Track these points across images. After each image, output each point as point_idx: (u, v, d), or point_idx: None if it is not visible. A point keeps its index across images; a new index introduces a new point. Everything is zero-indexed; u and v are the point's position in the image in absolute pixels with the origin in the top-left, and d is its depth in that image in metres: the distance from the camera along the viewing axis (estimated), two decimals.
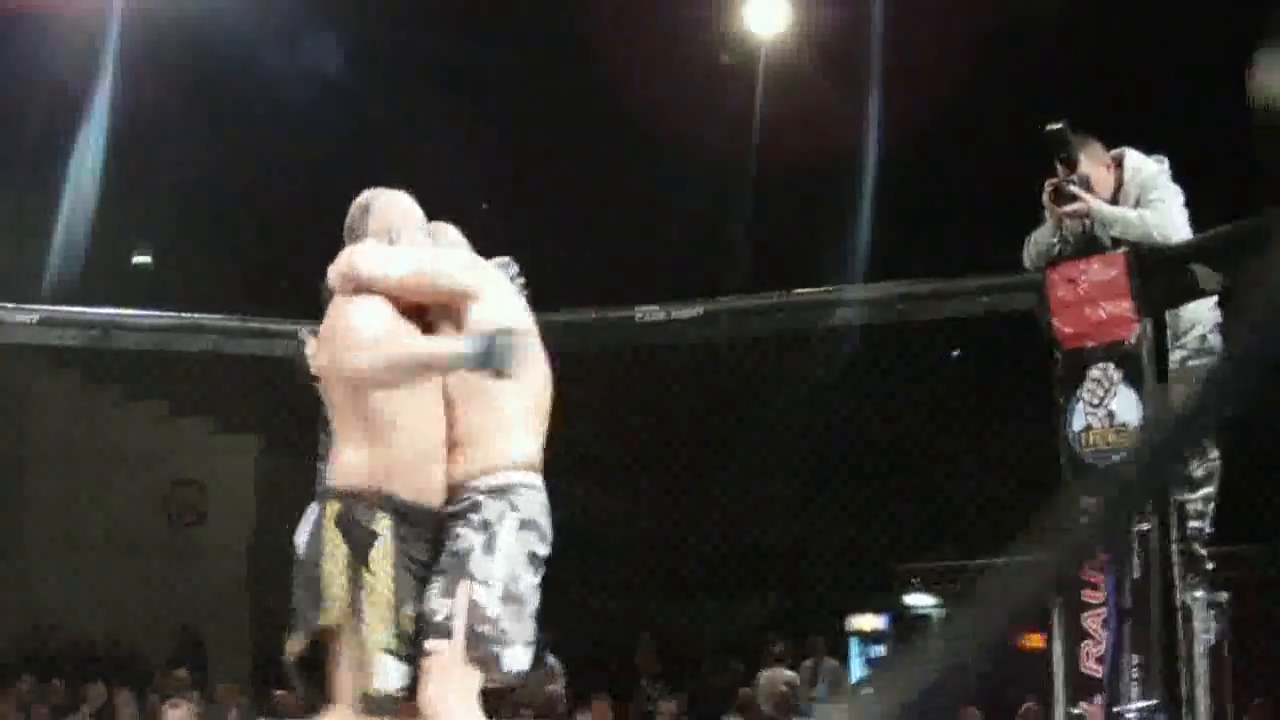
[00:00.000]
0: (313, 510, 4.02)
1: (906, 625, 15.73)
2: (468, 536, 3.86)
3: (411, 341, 4.03)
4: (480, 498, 3.90)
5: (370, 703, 3.78)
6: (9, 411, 16.30)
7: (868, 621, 15.44)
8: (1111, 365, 5.17)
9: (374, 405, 3.89)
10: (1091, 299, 5.24)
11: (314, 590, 3.85)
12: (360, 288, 4.03)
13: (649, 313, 6.21)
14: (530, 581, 3.94)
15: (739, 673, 11.76)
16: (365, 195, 4.28)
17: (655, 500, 9.75)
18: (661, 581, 11.22)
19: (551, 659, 3.96)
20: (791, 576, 11.52)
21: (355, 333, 3.96)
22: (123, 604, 13.33)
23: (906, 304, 6.09)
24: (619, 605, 11.09)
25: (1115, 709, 4.96)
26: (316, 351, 4.17)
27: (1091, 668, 5.02)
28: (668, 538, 10.51)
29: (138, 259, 17.40)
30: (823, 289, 6.49)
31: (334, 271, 4.11)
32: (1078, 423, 5.25)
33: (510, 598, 3.86)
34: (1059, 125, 5.36)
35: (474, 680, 3.85)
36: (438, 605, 3.81)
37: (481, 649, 3.83)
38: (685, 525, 10.92)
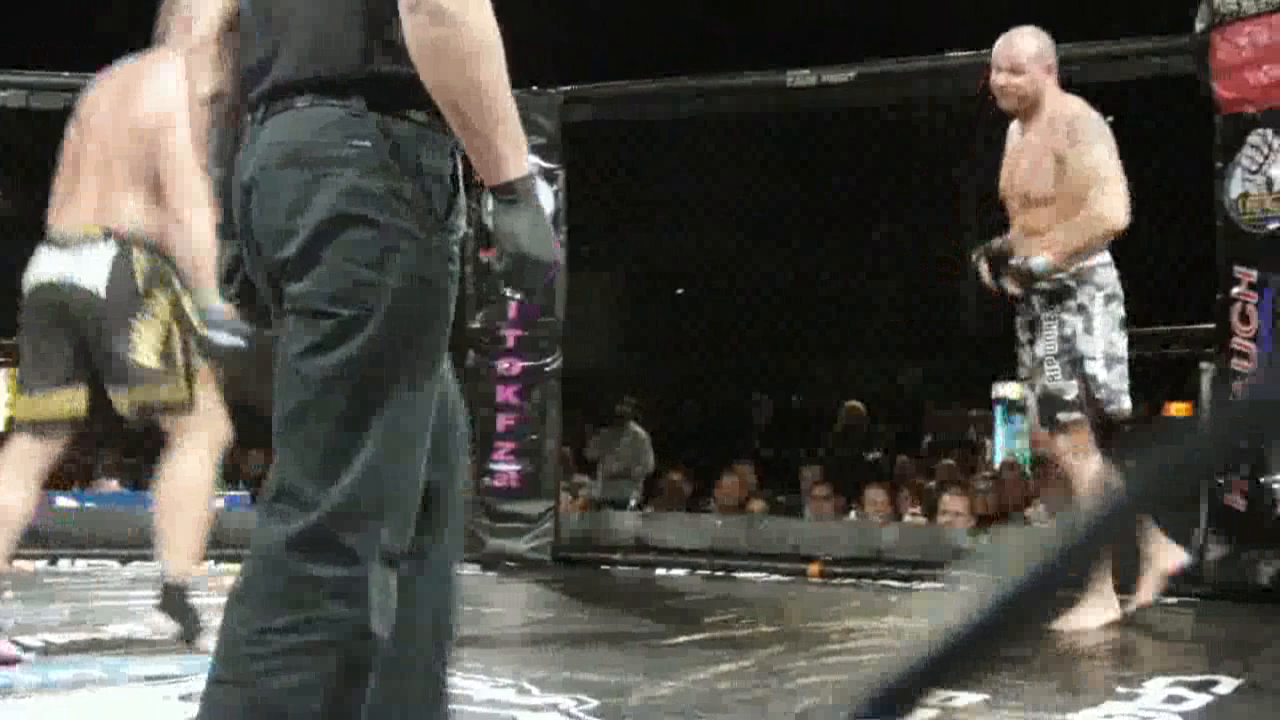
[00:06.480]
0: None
1: None
2: (1069, 322, 4.44)
3: None
4: (1070, 283, 4.41)
5: None
6: None
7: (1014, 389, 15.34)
8: (1271, 131, 5.06)
9: None
10: (1254, 63, 5.10)
11: None
12: None
13: (799, 77, 6.18)
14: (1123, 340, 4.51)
15: (889, 438, 11.81)
16: None
17: (819, 261, 9.74)
18: (824, 344, 11.19)
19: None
20: (948, 339, 11.49)
21: None
22: None
23: (1071, 66, 5.95)
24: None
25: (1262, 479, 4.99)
26: None
27: None
28: (833, 299, 10.50)
29: None
30: (976, 52, 6.30)
31: None
32: (1235, 189, 5.17)
33: (1113, 360, 4.45)
34: None
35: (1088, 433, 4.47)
36: (1065, 386, 4.41)
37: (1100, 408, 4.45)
38: (848, 289, 10.91)
